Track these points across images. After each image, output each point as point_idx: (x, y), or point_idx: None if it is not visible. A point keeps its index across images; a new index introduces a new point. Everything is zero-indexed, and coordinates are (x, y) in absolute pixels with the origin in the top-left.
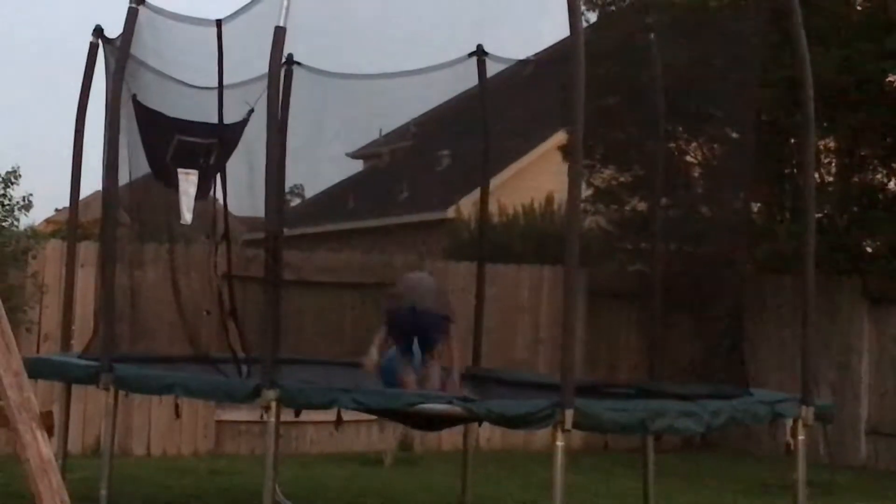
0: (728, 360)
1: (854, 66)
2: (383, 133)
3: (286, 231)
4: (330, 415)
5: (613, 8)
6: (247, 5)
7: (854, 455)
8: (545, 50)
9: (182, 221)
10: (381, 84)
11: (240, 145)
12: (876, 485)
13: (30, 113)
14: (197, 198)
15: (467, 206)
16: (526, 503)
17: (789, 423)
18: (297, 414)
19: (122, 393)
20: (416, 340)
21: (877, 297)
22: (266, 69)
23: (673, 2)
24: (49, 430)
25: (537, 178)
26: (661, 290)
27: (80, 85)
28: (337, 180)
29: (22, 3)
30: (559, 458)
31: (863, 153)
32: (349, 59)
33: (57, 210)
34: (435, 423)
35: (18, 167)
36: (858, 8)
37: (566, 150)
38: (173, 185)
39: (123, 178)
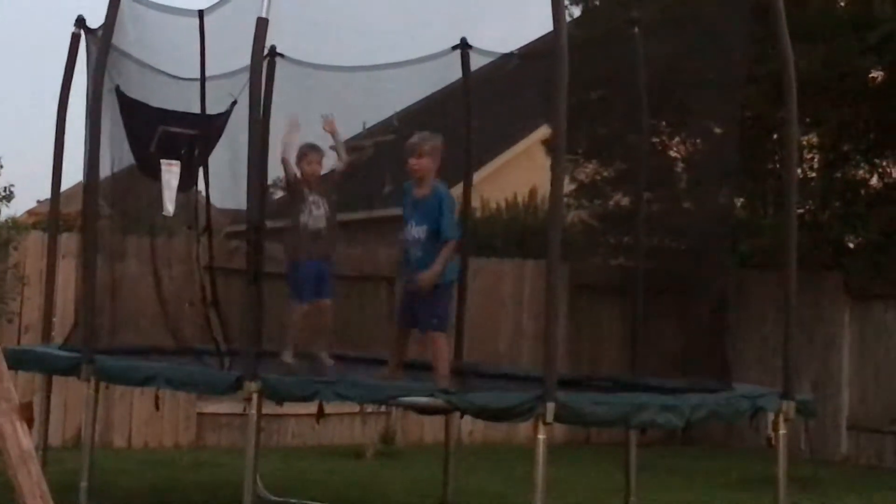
0: (710, 355)
1: (837, 61)
2: (367, 126)
3: (269, 223)
4: (312, 407)
5: (598, 2)
6: None
7: (835, 450)
8: (529, 44)
9: (164, 213)
10: (364, 77)
11: (223, 137)
12: (857, 479)
13: (11, 104)
14: (180, 189)
15: None
16: (508, 496)
17: (771, 417)
18: (281, 404)
19: (103, 385)
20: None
21: (858, 292)
22: (249, 60)
23: None
24: (29, 422)
25: (520, 173)
26: (643, 284)
27: (62, 75)
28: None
29: None
30: (541, 451)
31: (846, 148)
32: (332, 51)
33: (38, 201)
34: None
35: None
36: (842, 3)
37: (549, 145)
38: (157, 176)
39: (105, 170)
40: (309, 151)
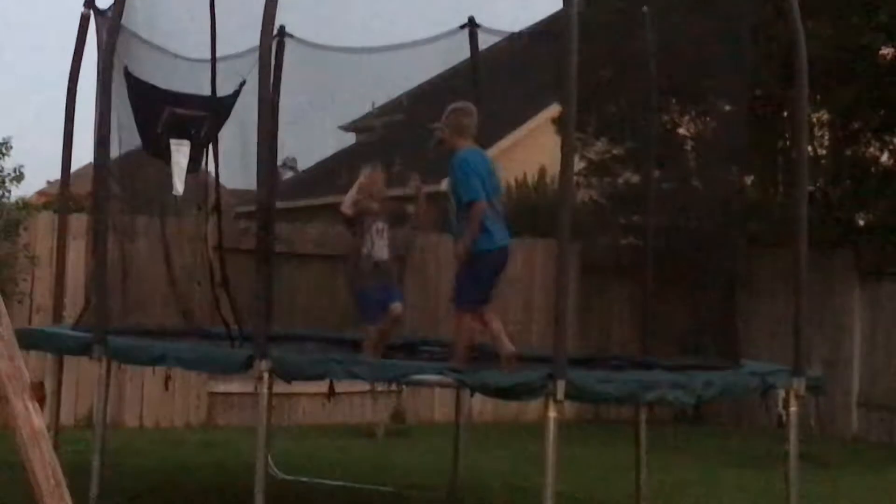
0: (720, 333)
1: (847, 39)
2: (376, 106)
3: (279, 204)
4: (323, 386)
5: None
6: None
7: (845, 427)
8: (539, 23)
9: (173, 193)
10: (373, 56)
11: (232, 117)
12: (867, 457)
13: (21, 86)
14: (189, 170)
15: None
16: (518, 474)
17: (781, 395)
18: (290, 382)
19: (114, 365)
20: None
21: (869, 269)
22: (258, 41)
23: None
24: (40, 401)
25: (530, 151)
26: (653, 263)
27: (71, 56)
28: (329, 153)
29: None
30: (551, 429)
31: (855, 126)
32: (342, 31)
33: (48, 182)
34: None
35: (10, 138)
36: None
37: (559, 123)
38: (164, 157)
39: (115, 151)
40: (374, 173)
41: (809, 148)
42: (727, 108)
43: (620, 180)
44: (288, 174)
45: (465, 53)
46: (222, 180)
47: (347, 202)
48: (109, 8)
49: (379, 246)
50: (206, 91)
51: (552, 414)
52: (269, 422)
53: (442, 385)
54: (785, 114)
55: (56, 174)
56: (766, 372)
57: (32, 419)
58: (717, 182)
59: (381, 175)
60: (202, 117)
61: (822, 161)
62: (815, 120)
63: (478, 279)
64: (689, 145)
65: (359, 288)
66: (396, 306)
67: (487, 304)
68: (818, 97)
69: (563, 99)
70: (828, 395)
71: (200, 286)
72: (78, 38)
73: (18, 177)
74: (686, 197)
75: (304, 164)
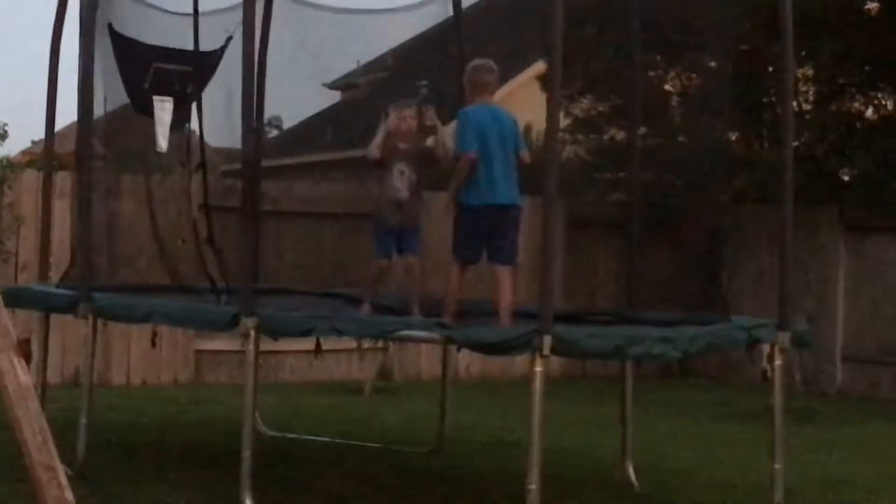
0: (707, 288)
1: None
2: (361, 64)
3: (264, 162)
4: (309, 344)
5: None
6: None
7: (830, 382)
8: None
9: (158, 150)
10: (359, 14)
11: (218, 74)
12: (852, 410)
13: (3, 44)
14: (173, 126)
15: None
16: (505, 430)
17: (766, 349)
18: (277, 339)
19: (101, 323)
20: None
21: (854, 224)
22: None
23: None
24: (27, 358)
25: (516, 109)
26: (639, 218)
27: (54, 13)
28: (314, 111)
29: None
30: (538, 385)
31: (841, 81)
32: None
33: (33, 142)
34: None
35: None
36: None
37: (544, 80)
38: (150, 113)
39: (99, 109)
40: (405, 109)
41: (794, 104)
42: (712, 63)
43: (606, 136)
44: (273, 133)
45: (450, 10)
46: (208, 138)
47: (373, 147)
48: None
49: (397, 187)
50: (191, 47)
51: (538, 368)
52: (256, 379)
53: (428, 341)
54: (770, 69)
55: (40, 134)
56: (751, 326)
57: (19, 376)
58: (702, 137)
59: (411, 111)
60: (188, 73)
61: (807, 116)
62: (800, 75)
63: (461, 233)
64: (674, 101)
65: (376, 222)
66: (410, 258)
67: (474, 261)
68: (804, 52)
69: (549, 55)
70: (812, 349)
71: (185, 243)
72: None
73: (2, 135)
74: (672, 152)
75: (289, 122)
